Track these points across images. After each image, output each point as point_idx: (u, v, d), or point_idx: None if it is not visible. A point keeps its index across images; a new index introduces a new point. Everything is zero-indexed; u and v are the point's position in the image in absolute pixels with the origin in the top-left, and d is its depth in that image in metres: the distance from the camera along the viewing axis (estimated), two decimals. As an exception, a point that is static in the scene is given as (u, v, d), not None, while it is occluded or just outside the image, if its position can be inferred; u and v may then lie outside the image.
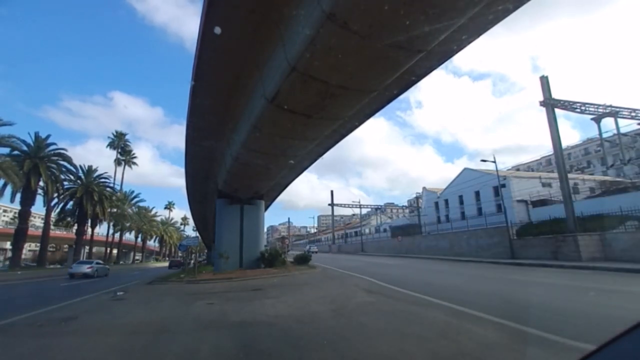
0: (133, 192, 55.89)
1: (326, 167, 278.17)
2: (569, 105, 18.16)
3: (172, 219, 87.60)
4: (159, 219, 71.26)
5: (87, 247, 43.73)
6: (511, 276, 12.21)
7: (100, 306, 9.61)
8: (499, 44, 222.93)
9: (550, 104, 17.78)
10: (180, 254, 46.33)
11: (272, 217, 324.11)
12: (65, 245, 55.80)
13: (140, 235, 62.24)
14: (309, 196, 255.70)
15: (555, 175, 54.32)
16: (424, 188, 57.93)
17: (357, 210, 58.37)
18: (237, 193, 22.39)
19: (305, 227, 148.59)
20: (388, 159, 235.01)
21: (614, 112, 18.41)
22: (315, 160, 19.77)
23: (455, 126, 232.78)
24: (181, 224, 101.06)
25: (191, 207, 34.52)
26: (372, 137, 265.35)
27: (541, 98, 18.06)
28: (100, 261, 31.08)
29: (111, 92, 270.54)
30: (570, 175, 54.24)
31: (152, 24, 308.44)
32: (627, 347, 0.91)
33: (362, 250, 44.40)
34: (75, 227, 39.52)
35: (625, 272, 11.77)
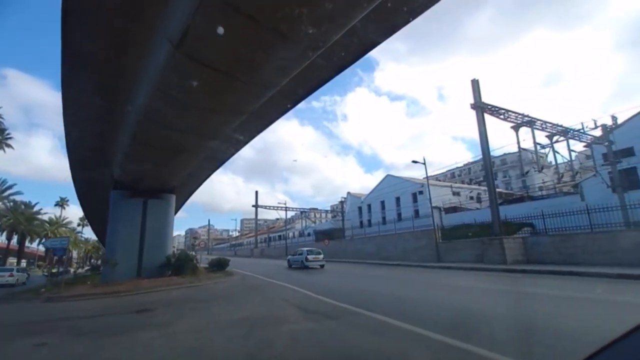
0: (5, 181, 43.80)
1: (253, 170, 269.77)
2: (495, 111, 18.29)
3: (65, 218, 72.92)
4: (46, 217, 58.31)
5: None
6: (453, 282, 10.79)
7: None
8: (414, 72, 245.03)
9: (480, 106, 17.62)
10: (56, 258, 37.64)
11: (193, 219, 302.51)
12: None
13: (16, 237, 49.79)
14: (234, 199, 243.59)
15: (463, 185, 58.81)
16: (348, 193, 57.86)
17: (282, 214, 55.62)
18: (140, 184, 17.84)
19: (228, 231, 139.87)
20: (314, 167, 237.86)
21: (531, 122, 19.13)
22: (239, 147, 16.58)
23: (375, 140, 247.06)
24: (79, 225, 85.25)
25: (81, 201, 27.73)
26: (300, 144, 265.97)
27: (463, 109, 17.84)
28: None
29: (5, 69, 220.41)
30: (473, 186, 59.42)
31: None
32: (627, 349, 0.91)
33: (286, 254, 41.64)
34: None
35: (558, 274, 11.28)
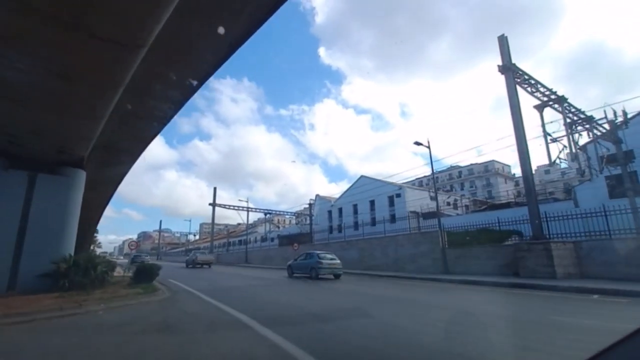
0: None
1: (218, 175, 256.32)
2: (525, 80, 14.10)
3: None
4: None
5: None
6: (550, 315, 5.89)
7: None
8: (380, 88, 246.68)
9: (510, 69, 13.31)
10: None
11: (153, 222, 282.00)
12: None
13: None
14: (196, 203, 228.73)
15: (440, 190, 55.93)
16: (317, 195, 52.73)
17: (243, 216, 48.98)
18: (23, 147, 11.29)
19: (186, 235, 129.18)
20: (280, 174, 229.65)
21: (561, 100, 15.19)
22: (185, 96, 10.72)
23: (340, 151, 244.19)
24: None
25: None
26: (267, 151, 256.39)
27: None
28: None
29: None
30: (446, 195, 56.96)
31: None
32: (627, 352, 0.89)
33: (246, 260, 35.25)
34: None
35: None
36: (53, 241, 12.19)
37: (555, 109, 15.86)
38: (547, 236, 11.89)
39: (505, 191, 68.72)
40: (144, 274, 12.82)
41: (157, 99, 10.97)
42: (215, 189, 40.23)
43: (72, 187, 13.12)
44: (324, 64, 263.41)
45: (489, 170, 73.16)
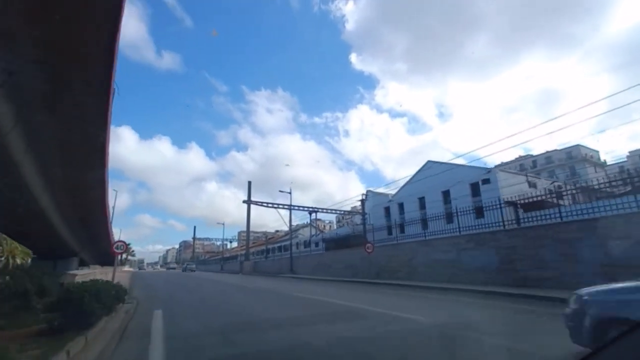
0: None
1: (255, 184, 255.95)
2: None
3: None
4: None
5: None
6: None
7: None
8: (415, 90, 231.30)
9: None
10: None
11: (192, 232, 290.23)
12: None
13: None
14: (234, 213, 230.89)
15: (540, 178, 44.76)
16: (369, 191, 44.12)
17: (283, 217, 41.57)
18: None
19: (226, 244, 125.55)
20: (317, 182, 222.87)
21: None
22: None
23: (376, 156, 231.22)
24: None
25: None
26: (302, 159, 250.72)
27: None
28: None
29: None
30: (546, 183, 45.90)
31: None
32: (625, 349, 0.86)
33: (291, 269, 27.39)
34: None
35: None
36: None
37: None
38: None
39: (596, 179, 55.74)
40: (64, 309, 5.14)
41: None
42: (249, 183, 33.19)
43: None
44: (355, 70, 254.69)
45: (573, 157, 60.06)
